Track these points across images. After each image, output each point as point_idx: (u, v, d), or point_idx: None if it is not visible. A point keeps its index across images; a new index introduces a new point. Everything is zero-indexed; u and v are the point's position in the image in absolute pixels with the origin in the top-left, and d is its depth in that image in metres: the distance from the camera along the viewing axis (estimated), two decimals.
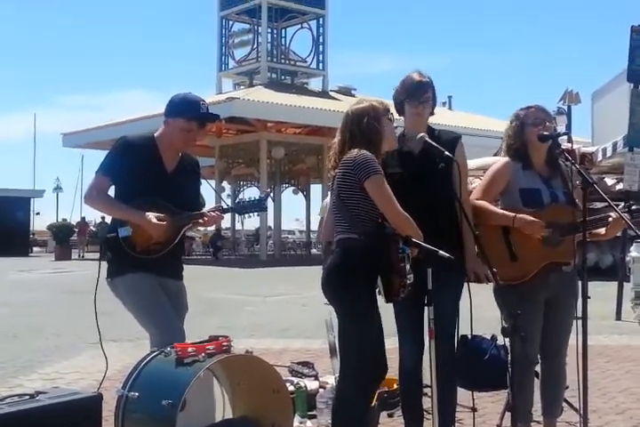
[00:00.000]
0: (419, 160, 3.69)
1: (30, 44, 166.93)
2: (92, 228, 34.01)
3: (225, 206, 4.03)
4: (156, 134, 3.87)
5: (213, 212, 3.80)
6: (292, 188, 31.29)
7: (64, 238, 30.88)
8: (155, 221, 3.63)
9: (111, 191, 3.84)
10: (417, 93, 3.74)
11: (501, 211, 3.77)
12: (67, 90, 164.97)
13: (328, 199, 14.09)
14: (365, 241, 3.33)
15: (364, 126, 3.42)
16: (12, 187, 37.93)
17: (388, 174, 3.46)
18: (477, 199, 3.84)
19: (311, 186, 31.78)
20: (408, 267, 3.24)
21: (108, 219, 4.16)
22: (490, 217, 3.77)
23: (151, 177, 3.74)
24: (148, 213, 3.64)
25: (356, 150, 3.36)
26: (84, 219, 34.49)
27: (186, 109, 3.78)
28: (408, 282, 3.24)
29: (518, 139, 3.87)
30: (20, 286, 15.35)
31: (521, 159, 3.86)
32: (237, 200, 4.05)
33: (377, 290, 3.36)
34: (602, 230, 3.80)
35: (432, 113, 3.83)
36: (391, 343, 3.75)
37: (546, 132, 3.76)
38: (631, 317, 9.48)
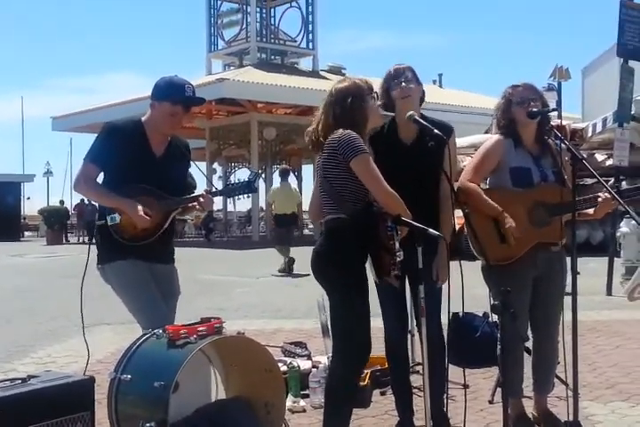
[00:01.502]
0: (411, 150, 3.69)
1: (17, 26, 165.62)
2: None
3: (214, 190, 4.01)
4: (143, 118, 3.83)
5: (202, 197, 3.77)
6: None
7: (55, 223, 30.65)
8: (141, 213, 3.61)
9: (101, 177, 3.81)
10: (396, 78, 3.73)
11: (491, 202, 3.75)
12: (54, 73, 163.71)
13: (275, 187, 14.09)
14: (353, 221, 3.32)
15: (347, 106, 3.37)
16: (2, 172, 37.79)
17: (380, 162, 3.41)
18: (468, 178, 3.83)
19: (303, 166, 31.68)
20: (397, 244, 3.24)
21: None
22: (478, 203, 3.76)
23: (139, 162, 3.71)
24: (136, 204, 3.62)
25: (340, 130, 3.33)
26: (82, 200, 33.15)
27: (171, 93, 3.74)
28: (398, 259, 3.25)
29: (506, 116, 3.87)
30: (12, 271, 15.32)
31: (510, 136, 3.86)
32: (226, 183, 4.02)
33: (367, 268, 3.37)
34: (591, 211, 3.79)
35: (422, 99, 3.80)
36: (380, 323, 3.76)
37: (534, 109, 3.75)
38: (621, 292, 9.53)
